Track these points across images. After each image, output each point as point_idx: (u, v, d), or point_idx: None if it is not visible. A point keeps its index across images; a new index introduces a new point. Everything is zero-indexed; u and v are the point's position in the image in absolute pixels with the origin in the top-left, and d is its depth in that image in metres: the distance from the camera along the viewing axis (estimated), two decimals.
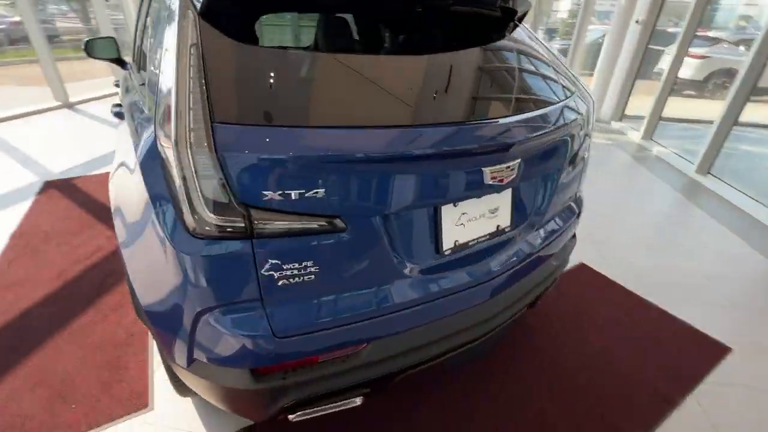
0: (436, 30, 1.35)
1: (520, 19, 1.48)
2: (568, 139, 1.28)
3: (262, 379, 0.98)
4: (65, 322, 1.90)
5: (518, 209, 1.26)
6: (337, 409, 1.18)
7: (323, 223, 0.88)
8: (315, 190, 0.84)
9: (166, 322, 1.00)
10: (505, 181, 1.06)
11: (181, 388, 1.36)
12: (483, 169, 1.01)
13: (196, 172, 0.79)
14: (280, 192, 0.81)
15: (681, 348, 1.93)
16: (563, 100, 1.31)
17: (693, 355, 1.89)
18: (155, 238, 0.89)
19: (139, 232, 1.01)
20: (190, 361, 0.99)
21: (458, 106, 1.09)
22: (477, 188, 1.05)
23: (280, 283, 0.89)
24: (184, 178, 0.79)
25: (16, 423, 1.45)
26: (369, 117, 0.94)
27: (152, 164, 0.87)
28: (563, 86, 1.39)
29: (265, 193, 0.81)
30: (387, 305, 1.04)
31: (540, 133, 1.13)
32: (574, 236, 1.66)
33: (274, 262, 0.86)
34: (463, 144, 0.97)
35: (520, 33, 1.45)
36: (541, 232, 1.38)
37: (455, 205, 1.09)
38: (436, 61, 1.18)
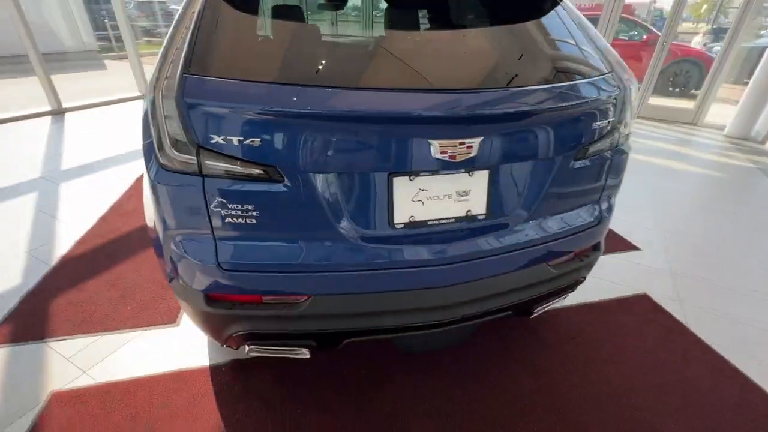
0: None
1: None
2: (566, 125, 1.12)
3: (213, 304, 1.12)
4: (149, 247, 2.39)
5: (498, 197, 1.15)
6: (288, 356, 1.28)
7: (261, 171, 0.97)
8: (253, 139, 0.93)
9: (156, 246, 1.21)
10: (458, 158, 1.00)
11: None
12: (430, 141, 0.97)
13: (165, 114, 0.95)
14: (224, 137, 0.93)
15: (741, 410, 1.51)
16: (565, 81, 1.14)
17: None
18: (146, 175, 1.10)
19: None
20: (170, 279, 1.20)
21: (421, 74, 1.06)
22: (427, 162, 1.01)
23: (226, 220, 1.02)
24: (157, 120, 0.97)
25: (87, 309, 1.91)
26: (315, 76, 1.00)
27: (145, 115, 1.07)
28: (575, 68, 1.20)
29: (212, 136, 0.93)
30: (328, 264, 1.08)
31: (505, 111, 1.02)
32: (595, 249, 1.44)
33: (220, 200, 0.99)
34: (407, 110, 0.95)
35: (558, 10, 1.31)
36: (531, 230, 1.23)
37: (411, 179, 1.06)
38: (426, 33, 1.15)
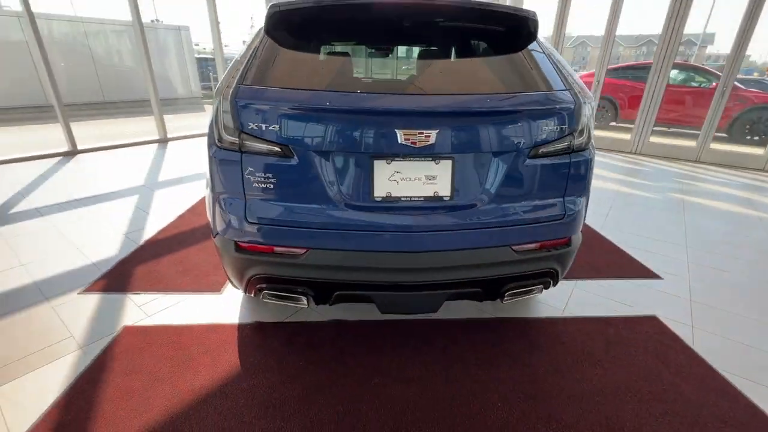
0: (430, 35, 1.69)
1: (534, 33, 1.63)
2: (516, 127, 1.39)
3: (241, 251, 1.52)
4: (209, 238, 2.94)
5: (460, 183, 1.43)
6: (292, 304, 1.62)
7: (278, 150, 1.38)
8: (275, 126, 1.35)
9: (208, 208, 1.66)
10: (419, 144, 1.32)
11: (230, 279, 2.02)
12: (396, 130, 1.31)
13: (223, 110, 1.42)
14: (256, 126, 1.37)
15: None
16: (516, 93, 1.42)
17: None
18: (207, 154, 1.55)
19: None
20: (214, 235, 1.63)
21: (402, 86, 1.42)
22: (395, 146, 1.34)
23: (253, 185, 1.43)
24: (218, 114, 1.44)
25: (158, 276, 2.44)
26: (317, 84, 1.41)
27: (213, 114, 1.55)
28: (533, 83, 1.48)
29: (249, 124, 1.37)
30: (322, 223, 1.43)
31: (454, 109, 1.32)
32: (567, 245, 1.60)
33: (251, 169, 1.41)
34: (380, 107, 1.31)
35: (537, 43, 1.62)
36: (492, 214, 1.47)
37: (388, 163, 1.40)
38: (420, 61, 1.53)
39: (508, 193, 1.48)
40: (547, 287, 1.72)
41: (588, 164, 1.55)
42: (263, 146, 1.39)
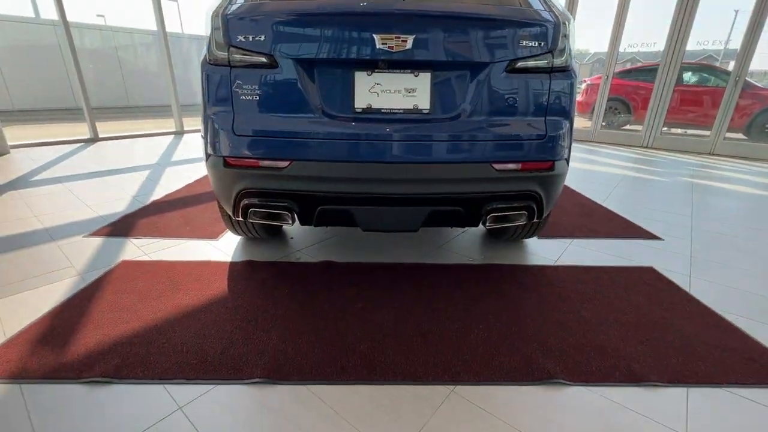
0: None
1: None
2: (493, 37, 1.42)
3: (229, 166, 1.57)
4: (211, 201, 3.03)
5: (439, 96, 1.47)
6: (276, 223, 1.66)
7: (263, 60, 1.45)
8: (260, 36, 1.43)
9: (202, 132, 1.73)
10: (395, 49, 1.36)
11: (229, 224, 2.08)
12: (374, 35, 1.36)
13: (214, 27, 1.50)
14: (243, 38, 1.44)
15: (714, 345, 1.42)
16: (498, 5, 1.46)
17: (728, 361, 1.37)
18: (201, 76, 1.63)
19: None
20: (207, 157, 1.69)
21: None
22: (373, 51, 1.39)
23: (240, 98, 1.50)
24: (211, 31, 1.53)
25: (159, 226, 2.52)
26: None
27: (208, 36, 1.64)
28: (518, 2, 1.52)
29: (237, 37, 1.45)
30: (306, 133, 1.48)
31: (430, 12, 1.37)
32: (549, 169, 1.59)
33: (238, 82, 1.48)
34: (357, 9, 1.36)
35: None
36: (470, 128, 1.48)
37: (369, 74, 1.45)
38: None
39: (488, 108, 1.50)
40: (531, 217, 1.70)
41: (570, 85, 1.57)
42: (250, 57, 1.46)
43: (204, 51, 1.58)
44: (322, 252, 2.19)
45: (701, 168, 4.78)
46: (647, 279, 1.98)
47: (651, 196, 3.49)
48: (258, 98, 1.49)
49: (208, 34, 1.55)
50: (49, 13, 11.48)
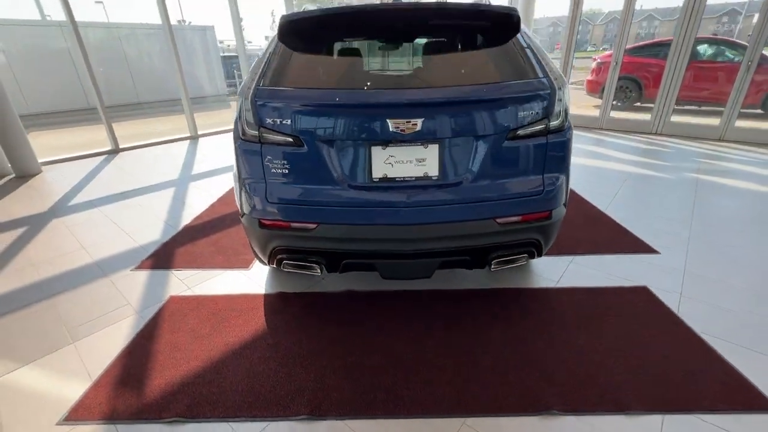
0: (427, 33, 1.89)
1: (517, 27, 1.80)
2: (494, 113, 1.58)
3: (264, 227, 1.80)
4: (240, 223, 3.28)
5: (446, 164, 1.65)
6: (307, 272, 1.90)
7: (290, 140, 1.64)
8: (287, 121, 1.61)
9: (236, 192, 1.95)
10: (407, 131, 1.54)
11: (257, 256, 2.33)
12: (387, 120, 1.54)
13: (245, 108, 1.69)
14: (272, 120, 1.63)
15: (700, 373, 1.64)
16: (493, 83, 1.61)
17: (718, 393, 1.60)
18: (233, 146, 1.84)
19: None
20: (242, 215, 1.92)
21: (395, 81, 1.64)
22: (388, 134, 1.57)
23: (271, 170, 1.70)
24: (242, 111, 1.72)
25: (195, 255, 2.80)
26: (321, 83, 1.65)
27: (238, 111, 1.83)
28: (515, 74, 1.66)
29: (267, 119, 1.64)
30: (331, 201, 1.69)
31: (436, 100, 1.53)
32: (547, 218, 1.78)
33: (269, 156, 1.68)
34: (374, 100, 1.54)
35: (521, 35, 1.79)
36: (476, 191, 1.67)
37: (384, 148, 1.63)
38: (415, 56, 1.75)
39: (490, 172, 1.68)
40: (532, 257, 1.91)
41: (565, 144, 1.72)
42: (279, 137, 1.66)
43: (236, 125, 1.78)
44: (344, 280, 2.43)
45: (709, 159, 4.83)
46: (640, 300, 2.18)
47: (654, 198, 3.62)
48: (287, 171, 1.69)
49: (239, 111, 1.74)
50: (53, 14, 11.53)
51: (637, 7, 5.92)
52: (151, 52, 13.39)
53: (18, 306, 2.30)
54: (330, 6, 2.26)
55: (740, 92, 5.40)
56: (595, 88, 8.53)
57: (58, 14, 11.94)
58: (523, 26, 1.82)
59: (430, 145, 1.64)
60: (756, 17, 5.21)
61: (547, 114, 1.65)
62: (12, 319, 2.18)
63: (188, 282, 2.49)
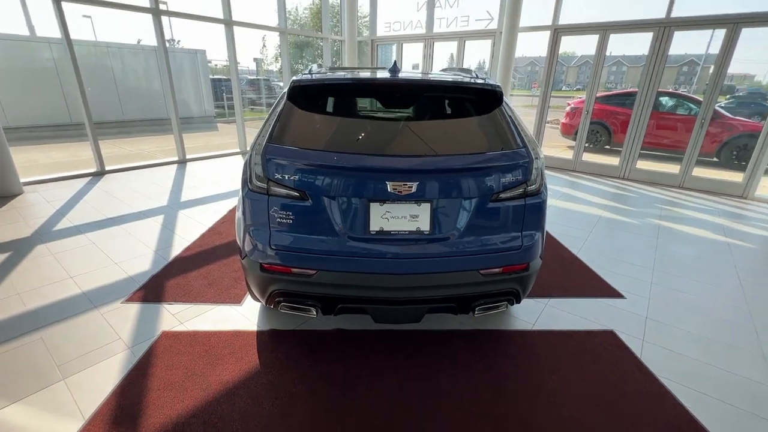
0: (423, 103, 2.12)
1: (500, 100, 2.05)
2: (479, 178, 1.80)
3: (264, 271, 1.92)
4: (231, 254, 3.35)
5: (437, 221, 1.84)
6: (303, 314, 2.01)
7: (296, 194, 1.80)
8: (295, 177, 1.77)
9: (239, 235, 2.07)
10: (403, 192, 1.73)
11: (252, 294, 2.43)
12: (386, 182, 1.72)
13: (255, 162, 1.85)
14: (280, 175, 1.79)
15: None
16: (482, 152, 1.84)
17: None
18: (240, 194, 1.98)
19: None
20: (243, 257, 2.03)
21: (392, 146, 1.84)
22: (386, 194, 1.75)
23: (276, 220, 1.84)
24: (251, 165, 1.87)
25: (187, 288, 2.85)
26: (327, 146, 1.83)
27: (246, 162, 1.98)
28: (498, 144, 1.89)
29: (275, 174, 1.80)
30: (330, 250, 1.83)
31: (429, 168, 1.74)
32: (525, 270, 1.97)
33: (274, 208, 1.83)
34: (374, 165, 1.73)
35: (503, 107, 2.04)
36: (462, 245, 1.86)
37: (381, 205, 1.81)
38: (407, 123, 1.96)
39: (475, 228, 1.87)
40: (512, 304, 2.09)
41: (541, 205, 1.95)
42: (285, 191, 1.81)
43: (244, 174, 1.93)
44: (333, 319, 2.54)
45: (669, 206, 5.26)
46: (608, 344, 2.38)
47: (621, 242, 3.93)
48: (291, 221, 1.83)
49: (249, 163, 1.89)
50: (43, 30, 11.52)
51: (607, 53, 6.51)
52: (139, 71, 13.44)
53: (4, 339, 2.29)
54: (335, 69, 2.49)
55: (696, 145, 5.96)
56: (569, 130, 9.18)
57: (43, 30, 11.94)
58: (505, 99, 2.08)
59: (423, 204, 1.82)
60: (712, 68, 5.82)
61: (525, 180, 1.88)
62: None
63: (180, 317, 2.53)
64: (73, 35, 5.45)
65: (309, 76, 2.02)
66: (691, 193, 5.95)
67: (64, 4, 5.28)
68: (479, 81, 2.07)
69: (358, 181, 1.77)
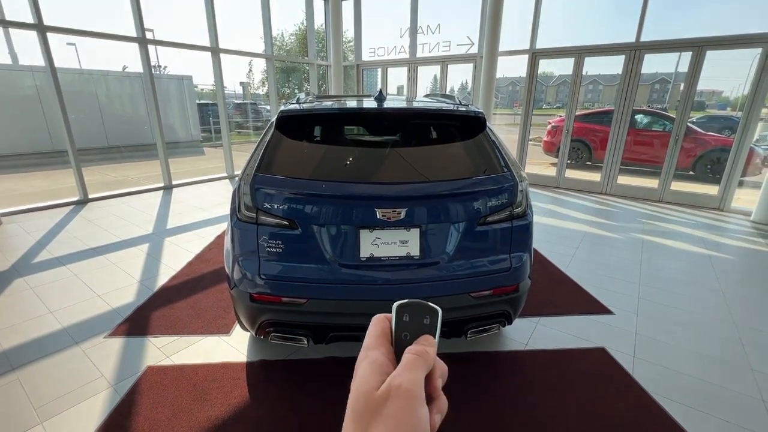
0: (410, 130, 2.17)
1: (483, 125, 2.12)
2: (466, 203, 1.83)
3: (254, 301, 1.89)
4: (219, 282, 3.30)
5: (427, 245, 1.85)
6: (295, 344, 1.98)
7: (286, 223, 1.80)
8: (284, 206, 1.78)
9: (227, 265, 2.05)
10: (392, 219, 1.75)
11: (240, 324, 2.38)
12: (375, 209, 1.74)
13: (243, 192, 1.85)
14: (269, 205, 1.79)
15: None
16: (468, 177, 1.88)
17: None
18: (228, 223, 1.98)
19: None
20: (232, 287, 2.00)
21: (380, 173, 1.87)
22: (375, 220, 1.77)
23: (266, 249, 1.83)
24: (240, 195, 1.87)
25: (174, 320, 2.77)
26: (315, 174, 1.85)
27: (234, 191, 1.99)
28: (483, 168, 1.94)
29: (264, 204, 1.80)
30: (320, 278, 1.82)
31: (417, 194, 1.77)
32: (515, 291, 1.99)
33: (264, 237, 1.82)
34: (362, 193, 1.75)
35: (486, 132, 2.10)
36: (452, 269, 1.88)
37: (371, 231, 1.82)
38: (394, 149, 2.00)
39: (464, 252, 1.89)
40: (504, 325, 2.10)
41: (527, 226, 1.99)
42: (274, 220, 1.81)
43: (233, 204, 1.92)
44: (326, 346, 2.49)
45: (651, 220, 5.40)
46: (599, 362, 2.39)
47: (607, 258, 4.00)
48: (281, 249, 1.83)
49: (237, 193, 1.89)
50: (26, 58, 11.47)
51: (585, 72, 6.79)
52: (123, 97, 13.42)
53: None
54: (322, 97, 2.54)
55: (672, 160, 6.19)
56: (550, 148, 9.45)
57: (26, 58, 11.87)
58: (488, 124, 2.14)
59: (412, 229, 1.84)
60: (682, 86, 6.09)
61: (511, 202, 1.92)
62: None
63: (166, 350, 2.46)
64: (57, 63, 5.44)
65: (296, 106, 2.06)
66: (671, 206, 6.14)
67: (49, 35, 5.29)
68: (462, 108, 2.14)
69: (347, 209, 1.78)
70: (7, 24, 5.52)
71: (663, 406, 2.04)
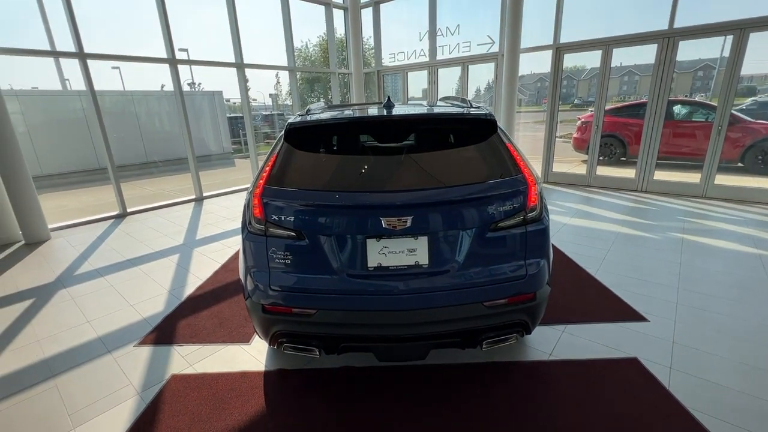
0: (419, 137, 2.13)
1: (494, 128, 2.05)
2: (475, 209, 1.76)
3: (266, 312, 1.91)
4: (240, 292, 3.39)
5: (435, 254, 1.80)
6: (306, 354, 1.98)
7: (293, 234, 1.81)
8: (291, 217, 1.79)
9: (242, 276, 2.09)
10: (398, 227, 1.71)
11: (258, 333, 2.42)
12: (380, 218, 1.72)
13: (252, 205, 1.88)
14: (277, 217, 1.81)
15: None
16: (477, 182, 1.81)
17: None
18: (241, 236, 2.01)
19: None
20: (246, 298, 2.04)
21: (385, 181, 1.84)
22: (381, 229, 1.74)
23: (275, 260, 1.85)
24: (248, 207, 1.90)
25: (197, 329, 2.87)
26: (322, 186, 1.85)
27: (245, 205, 2.02)
28: (494, 172, 1.86)
29: (273, 216, 1.82)
30: (328, 288, 1.82)
31: (423, 201, 1.72)
32: (532, 299, 1.90)
33: (273, 248, 1.84)
34: (367, 202, 1.73)
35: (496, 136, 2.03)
36: (463, 277, 1.81)
37: (378, 240, 1.80)
38: (400, 157, 1.97)
39: (476, 259, 1.83)
40: (522, 335, 2.00)
41: (543, 231, 1.89)
42: (283, 232, 1.83)
43: (244, 217, 1.96)
44: (341, 356, 2.48)
45: (692, 218, 5.03)
46: (631, 374, 2.23)
47: (641, 260, 3.76)
48: (290, 261, 1.84)
49: (247, 206, 1.93)
50: (75, 84, 12.44)
51: (618, 63, 6.45)
52: (161, 115, 14.22)
53: (19, 388, 2.33)
54: (332, 107, 2.56)
55: (715, 152, 5.75)
56: (581, 145, 9.03)
57: (76, 83, 12.87)
58: (499, 126, 2.07)
59: (420, 237, 1.80)
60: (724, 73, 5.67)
61: (524, 207, 1.84)
62: (12, 403, 2.21)
63: (190, 359, 2.54)
64: (103, 86, 5.86)
65: (304, 118, 2.08)
66: (715, 202, 5.69)
67: (89, 62, 5.69)
68: (472, 110, 2.08)
69: (352, 218, 1.77)
70: (53, 54, 5.99)
71: (703, 424, 1.87)
